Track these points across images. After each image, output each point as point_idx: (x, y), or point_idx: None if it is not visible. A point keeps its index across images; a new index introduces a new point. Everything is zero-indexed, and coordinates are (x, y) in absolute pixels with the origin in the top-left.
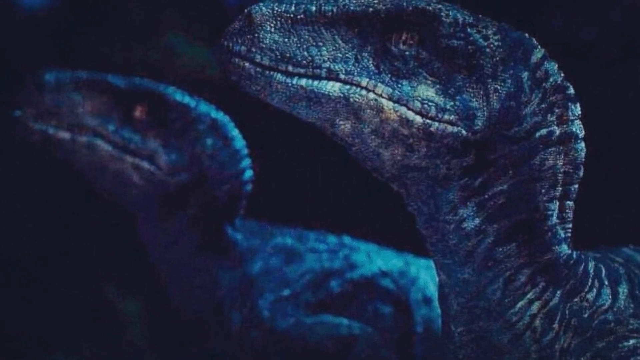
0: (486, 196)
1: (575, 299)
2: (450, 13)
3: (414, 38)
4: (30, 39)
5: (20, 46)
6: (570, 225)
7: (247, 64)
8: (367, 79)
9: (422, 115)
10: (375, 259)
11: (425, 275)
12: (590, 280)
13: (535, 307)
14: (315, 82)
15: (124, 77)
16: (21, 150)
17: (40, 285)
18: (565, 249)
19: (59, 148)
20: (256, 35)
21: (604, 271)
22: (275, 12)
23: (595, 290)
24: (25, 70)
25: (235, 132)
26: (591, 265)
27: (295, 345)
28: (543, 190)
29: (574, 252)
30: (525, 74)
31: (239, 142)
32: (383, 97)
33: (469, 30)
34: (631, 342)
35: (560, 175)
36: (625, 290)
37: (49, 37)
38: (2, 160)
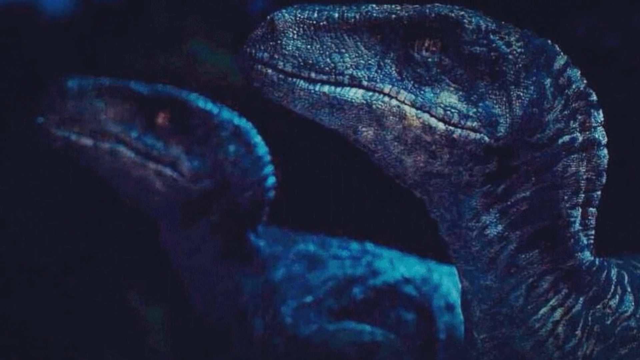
0: (509, 203)
1: (598, 306)
2: (473, 20)
3: (437, 45)
4: (53, 45)
5: (43, 53)
6: (593, 232)
7: (269, 71)
8: (390, 86)
9: (445, 122)
10: (398, 266)
11: (447, 282)
12: (613, 286)
13: (558, 313)
14: (338, 89)
15: (147, 83)
16: (44, 157)
17: (63, 292)
18: (587, 255)
19: (81, 155)
20: (279, 41)
21: (626, 277)
22: (297, 18)
23: (618, 296)
24: (48, 77)
25: (257, 139)
26: (614, 271)
27: (318, 352)
28: (565, 197)
29: (597, 259)
30: (548, 81)
31: (262, 149)
32: (406, 104)
33: (491, 36)
34: None
35: (582, 182)
36: None
37: (71, 44)
38: (25, 167)
